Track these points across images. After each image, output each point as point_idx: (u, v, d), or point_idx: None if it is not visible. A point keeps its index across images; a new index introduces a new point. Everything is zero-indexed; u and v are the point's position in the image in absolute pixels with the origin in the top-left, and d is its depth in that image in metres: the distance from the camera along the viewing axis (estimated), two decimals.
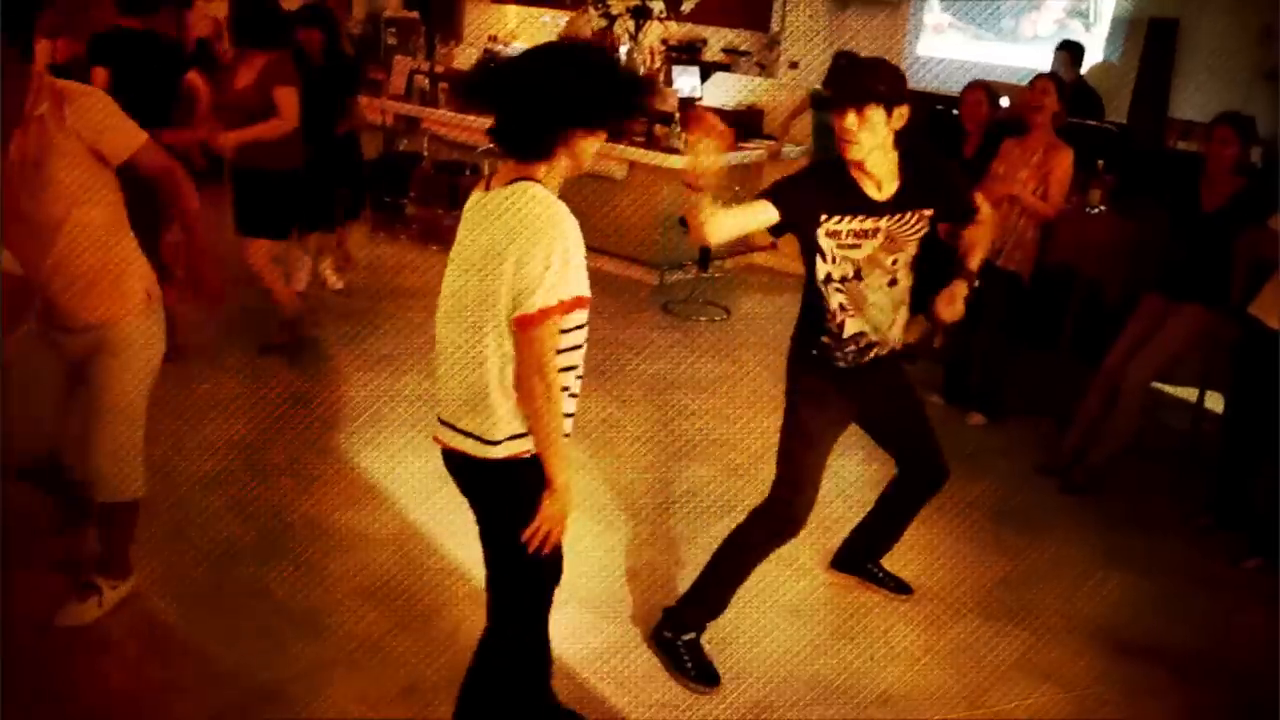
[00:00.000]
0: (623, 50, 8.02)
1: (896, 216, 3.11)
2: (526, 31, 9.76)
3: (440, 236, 7.62)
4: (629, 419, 5.17)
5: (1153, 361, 4.71)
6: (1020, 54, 8.94)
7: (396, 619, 3.47)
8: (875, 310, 3.21)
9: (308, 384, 5.11)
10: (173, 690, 3.05)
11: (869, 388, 3.32)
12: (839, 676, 3.36)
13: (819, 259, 3.14)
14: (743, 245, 7.86)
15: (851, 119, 2.96)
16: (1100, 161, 5.84)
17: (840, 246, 3.11)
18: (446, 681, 3.18)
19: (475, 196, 2.42)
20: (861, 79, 3.00)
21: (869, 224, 3.09)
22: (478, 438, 2.41)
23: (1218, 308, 4.60)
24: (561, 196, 2.38)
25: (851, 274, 3.15)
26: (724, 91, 8.60)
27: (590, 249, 2.42)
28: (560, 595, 3.48)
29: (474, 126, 7.88)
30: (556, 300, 2.26)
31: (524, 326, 2.28)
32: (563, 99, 2.27)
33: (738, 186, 7.38)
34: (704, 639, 3.42)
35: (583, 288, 2.33)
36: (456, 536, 3.94)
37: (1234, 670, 3.64)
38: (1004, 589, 3.96)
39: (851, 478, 4.68)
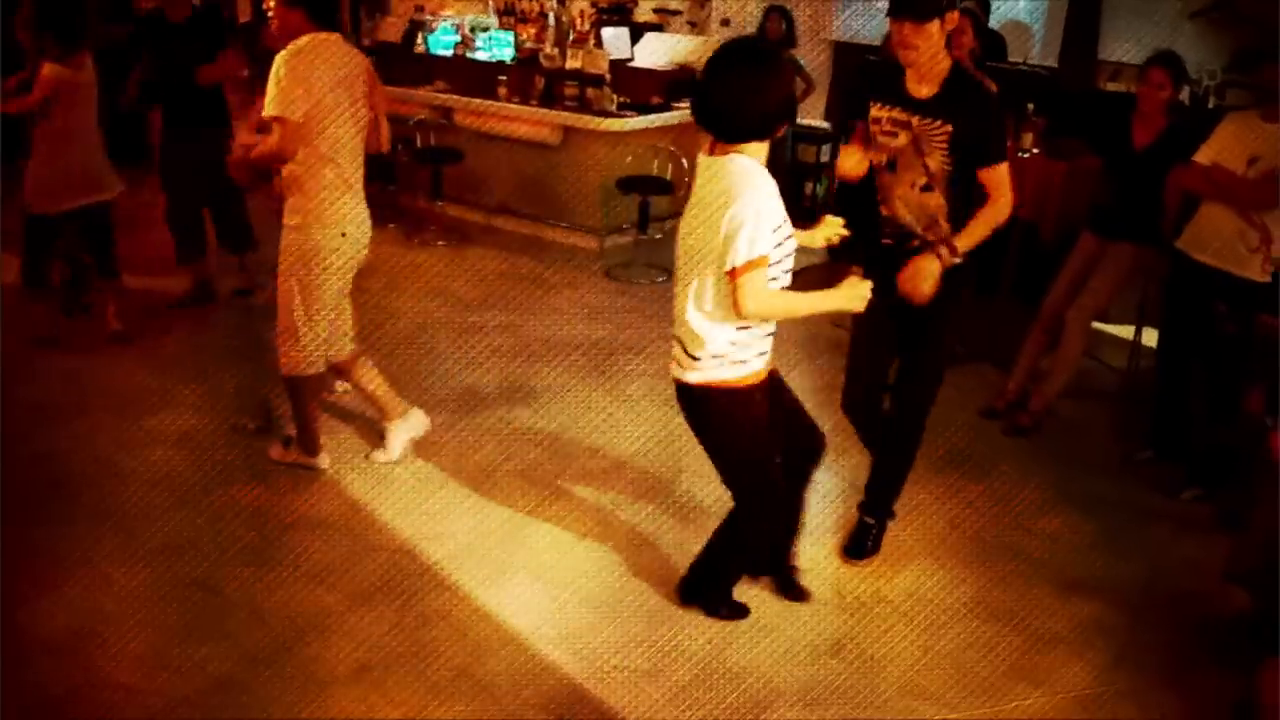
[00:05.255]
0: (550, 15, 7.93)
1: (926, 120, 3.31)
2: (453, 2, 9.60)
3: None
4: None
5: (1092, 301, 4.76)
6: None
7: (345, 600, 3.44)
8: (900, 206, 3.47)
9: (252, 377, 5.02)
10: (122, 688, 3.00)
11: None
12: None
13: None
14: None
15: (909, 30, 3.19)
16: (1030, 104, 5.87)
17: (881, 134, 3.40)
18: (398, 659, 3.18)
19: (704, 158, 2.94)
20: None
21: (903, 116, 3.35)
22: (686, 353, 2.99)
23: (1150, 244, 4.65)
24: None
25: (885, 163, 3.44)
26: (656, 52, 8.52)
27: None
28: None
29: (413, 99, 7.80)
30: (758, 254, 2.76)
31: (732, 277, 2.79)
32: (780, 112, 2.86)
33: (671, 146, 7.36)
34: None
35: (766, 248, 2.77)
36: (403, 515, 3.92)
37: (1175, 598, 3.72)
38: (956, 534, 4.00)
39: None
